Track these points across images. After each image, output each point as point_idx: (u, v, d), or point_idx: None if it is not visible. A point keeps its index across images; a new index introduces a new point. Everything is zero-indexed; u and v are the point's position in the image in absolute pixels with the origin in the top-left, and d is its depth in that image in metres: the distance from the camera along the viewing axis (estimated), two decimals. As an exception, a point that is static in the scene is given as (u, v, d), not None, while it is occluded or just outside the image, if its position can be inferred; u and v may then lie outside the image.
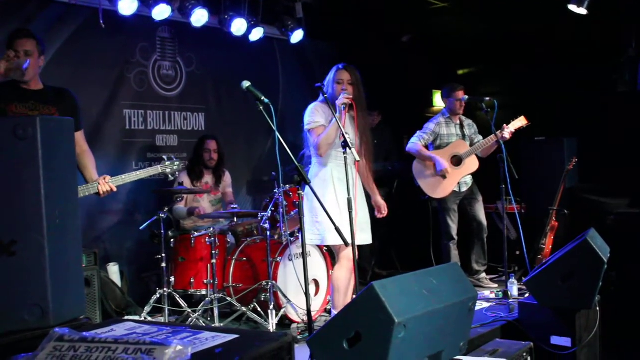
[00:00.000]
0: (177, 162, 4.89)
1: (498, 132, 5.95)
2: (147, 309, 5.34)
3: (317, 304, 5.84)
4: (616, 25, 7.02)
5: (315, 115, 4.69)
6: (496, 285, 6.51)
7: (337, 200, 4.59)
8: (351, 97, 4.54)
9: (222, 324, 5.37)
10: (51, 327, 2.18)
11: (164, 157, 4.89)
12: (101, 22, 5.73)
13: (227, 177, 6.62)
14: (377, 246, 7.09)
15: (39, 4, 5.72)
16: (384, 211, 4.99)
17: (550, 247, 6.56)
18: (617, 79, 7.11)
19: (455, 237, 6.57)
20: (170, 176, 4.91)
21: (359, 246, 4.30)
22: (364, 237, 4.72)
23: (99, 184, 4.33)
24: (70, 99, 4.42)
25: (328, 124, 4.62)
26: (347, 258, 4.66)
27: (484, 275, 6.71)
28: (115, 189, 4.42)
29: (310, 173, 4.78)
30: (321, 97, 4.64)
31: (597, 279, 3.93)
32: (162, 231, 5.39)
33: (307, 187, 3.94)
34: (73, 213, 2.64)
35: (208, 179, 6.44)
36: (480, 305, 5.25)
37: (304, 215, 3.90)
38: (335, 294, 4.72)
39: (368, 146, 4.79)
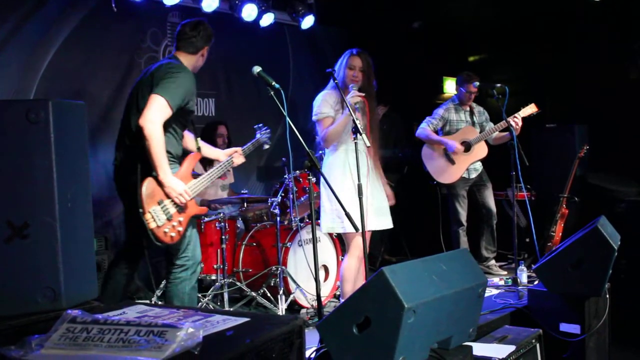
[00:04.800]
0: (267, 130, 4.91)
1: (508, 119, 5.93)
2: (158, 293, 5.38)
3: (326, 290, 5.86)
4: (629, 11, 6.96)
5: (323, 106, 4.65)
6: (505, 272, 6.51)
7: (353, 185, 4.58)
8: (363, 95, 4.50)
9: (232, 309, 5.40)
10: (63, 310, 2.20)
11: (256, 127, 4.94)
12: (113, 5, 5.74)
13: None
14: (387, 233, 7.09)
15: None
16: (391, 201, 4.97)
17: (560, 234, 6.54)
18: (629, 66, 7.07)
19: (465, 223, 6.58)
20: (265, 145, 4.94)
21: (369, 233, 4.30)
22: (386, 221, 4.72)
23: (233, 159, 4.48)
24: None
25: (336, 113, 4.61)
26: (358, 247, 4.63)
27: (493, 262, 6.71)
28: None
29: (325, 160, 4.77)
30: (332, 83, 4.63)
31: (607, 267, 3.92)
32: (173, 216, 5.40)
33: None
34: (85, 197, 2.65)
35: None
36: (490, 292, 5.24)
37: (314, 202, 3.89)
38: (344, 283, 4.69)
39: (376, 135, 4.77)
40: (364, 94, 4.50)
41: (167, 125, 3.89)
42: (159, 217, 3.81)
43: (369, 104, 4.66)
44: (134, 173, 3.81)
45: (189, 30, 4.22)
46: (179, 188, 3.88)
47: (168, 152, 3.92)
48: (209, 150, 4.50)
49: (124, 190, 4.03)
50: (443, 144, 6.42)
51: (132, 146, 3.93)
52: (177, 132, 4.08)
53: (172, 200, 3.89)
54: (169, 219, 3.87)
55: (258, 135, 4.78)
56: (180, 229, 3.94)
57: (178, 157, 4.10)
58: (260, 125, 4.98)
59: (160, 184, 3.83)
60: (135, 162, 3.84)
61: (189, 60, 4.20)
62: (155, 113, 3.75)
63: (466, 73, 6.60)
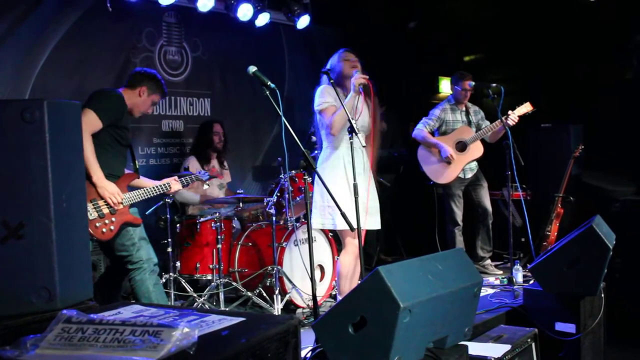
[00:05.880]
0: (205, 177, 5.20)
1: (503, 118, 5.95)
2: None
3: (322, 289, 5.86)
4: (623, 11, 6.98)
5: (325, 96, 4.65)
6: (501, 272, 6.52)
7: (348, 184, 4.58)
8: (367, 77, 4.50)
9: (227, 309, 5.40)
10: (58, 310, 2.20)
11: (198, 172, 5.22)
12: (108, 5, 5.73)
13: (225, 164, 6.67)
14: (383, 232, 7.09)
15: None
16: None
17: (556, 234, 6.55)
18: (624, 65, 7.08)
19: (461, 223, 6.59)
20: (205, 184, 5.31)
21: (364, 232, 4.29)
22: (374, 221, 4.73)
23: (170, 184, 4.78)
24: None
25: (338, 106, 4.61)
26: (353, 244, 4.66)
27: (488, 261, 6.72)
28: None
29: (321, 157, 4.77)
30: (327, 81, 4.62)
31: (603, 266, 3.92)
32: (168, 216, 5.40)
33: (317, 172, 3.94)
34: (80, 197, 2.64)
35: (214, 163, 6.44)
36: (485, 291, 5.26)
37: (310, 201, 3.89)
38: (340, 280, 4.73)
39: (378, 131, 4.78)
40: (368, 76, 4.50)
41: (107, 144, 4.38)
42: (90, 213, 4.19)
43: (374, 97, 4.66)
44: None
45: (140, 70, 4.77)
46: (111, 188, 4.29)
47: (109, 168, 4.33)
48: (145, 180, 4.81)
49: None
50: (438, 147, 6.43)
51: None
52: (118, 151, 4.50)
53: (106, 202, 4.27)
54: (101, 217, 4.25)
55: (197, 173, 5.16)
56: (112, 227, 4.32)
57: (118, 176, 4.47)
58: (201, 170, 5.36)
59: (94, 185, 4.22)
60: None
61: (127, 94, 4.59)
62: (85, 122, 4.09)
63: (460, 72, 6.63)
